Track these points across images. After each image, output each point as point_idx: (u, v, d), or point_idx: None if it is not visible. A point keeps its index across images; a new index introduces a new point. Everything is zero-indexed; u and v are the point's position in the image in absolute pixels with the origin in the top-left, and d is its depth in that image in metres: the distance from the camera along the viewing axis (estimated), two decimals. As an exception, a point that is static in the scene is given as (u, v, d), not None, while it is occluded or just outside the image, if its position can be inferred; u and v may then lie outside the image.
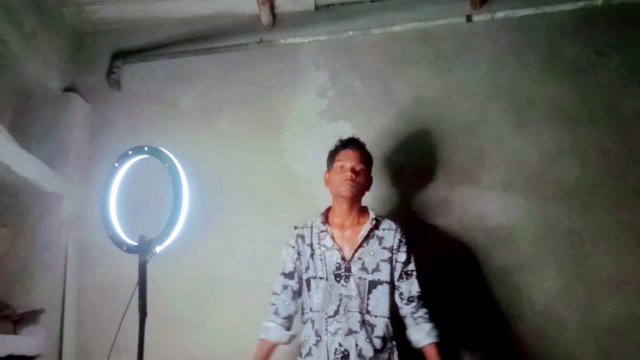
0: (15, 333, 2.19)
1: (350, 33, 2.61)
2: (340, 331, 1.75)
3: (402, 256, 1.84)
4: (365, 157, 1.93)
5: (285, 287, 1.88)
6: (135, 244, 1.73)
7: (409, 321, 1.82)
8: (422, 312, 1.81)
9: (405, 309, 1.82)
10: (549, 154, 2.32)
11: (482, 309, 2.18)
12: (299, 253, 1.89)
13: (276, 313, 1.86)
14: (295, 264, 1.89)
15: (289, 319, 1.87)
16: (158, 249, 1.71)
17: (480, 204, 2.30)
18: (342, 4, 2.72)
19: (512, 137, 2.37)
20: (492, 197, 2.31)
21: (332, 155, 1.96)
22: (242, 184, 2.51)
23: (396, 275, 1.83)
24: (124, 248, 1.77)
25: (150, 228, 1.75)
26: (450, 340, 2.12)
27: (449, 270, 2.23)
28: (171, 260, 2.08)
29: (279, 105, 2.60)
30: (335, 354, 1.73)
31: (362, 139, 1.98)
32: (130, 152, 1.86)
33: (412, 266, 1.85)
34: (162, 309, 2.15)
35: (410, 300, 1.81)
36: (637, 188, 2.22)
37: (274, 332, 1.84)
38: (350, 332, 1.75)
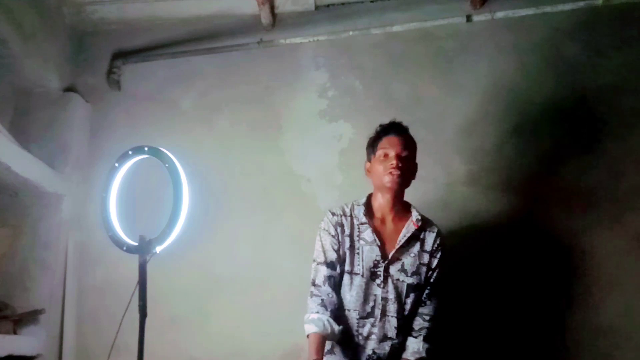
0: (15, 333, 2.19)
1: (350, 33, 2.61)
2: (374, 336, 1.66)
3: (434, 262, 1.74)
4: (410, 142, 1.78)
5: (328, 277, 1.68)
6: (135, 244, 1.73)
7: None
8: (416, 322, 1.71)
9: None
10: (549, 154, 2.32)
11: (482, 310, 2.18)
12: (339, 242, 1.72)
13: (323, 305, 1.64)
14: (337, 253, 1.71)
15: (335, 312, 1.66)
16: (158, 249, 1.71)
17: (480, 204, 2.30)
18: (342, 4, 2.71)
19: (512, 137, 2.37)
20: (492, 197, 2.31)
21: (374, 142, 1.80)
22: (242, 184, 2.51)
23: (425, 280, 1.73)
24: (124, 248, 1.77)
25: (150, 228, 1.74)
26: (450, 340, 2.13)
27: (449, 270, 2.23)
28: (171, 261, 2.08)
29: (279, 105, 2.60)
30: (369, 358, 1.64)
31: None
32: (130, 152, 1.86)
33: (435, 274, 1.74)
34: (162, 309, 2.15)
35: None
36: (637, 188, 2.22)
37: (328, 325, 1.61)
38: (386, 338, 1.66)
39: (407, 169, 1.73)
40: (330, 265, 1.71)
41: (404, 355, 1.67)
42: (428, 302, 1.72)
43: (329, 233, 1.74)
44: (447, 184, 2.35)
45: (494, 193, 2.31)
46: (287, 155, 2.52)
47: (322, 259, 1.72)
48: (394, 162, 1.70)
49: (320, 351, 1.57)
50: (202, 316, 2.37)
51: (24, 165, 2.20)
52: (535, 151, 2.33)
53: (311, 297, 1.69)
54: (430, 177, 2.35)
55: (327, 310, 1.64)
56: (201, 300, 2.38)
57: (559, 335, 2.12)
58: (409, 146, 1.76)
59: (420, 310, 1.72)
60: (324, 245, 1.73)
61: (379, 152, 1.75)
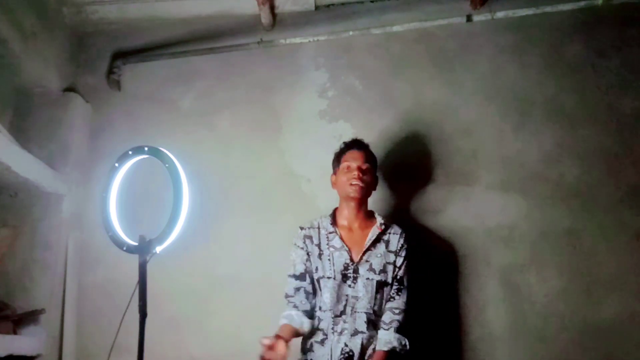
0: (15, 333, 2.18)
1: (350, 33, 2.61)
2: (346, 331, 1.78)
3: (399, 260, 1.89)
4: (371, 157, 1.99)
5: (297, 289, 1.87)
6: (136, 244, 1.73)
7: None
8: (386, 316, 1.82)
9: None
10: (549, 154, 2.32)
11: (482, 309, 2.18)
12: (308, 254, 1.90)
13: (295, 307, 1.84)
14: (305, 265, 1.89)
15: (308, 312, 1.84)
16: (158, 249, 1.72)
17: (479, 204, 2.30)
18: (342, 4, 2.71)
19: (512, 137, 2.37)
20: (492, 197, 2.31)
21: (338, 157, 2.00)
22: (242, 184, 2.51)
23: (392, 277, 1.87)
24: (124, 248, 1.77)
25: (150, 228, 1.75)
26: (450, 340, 2.13)
27: (448, 270, 2.23)
28: (171, 261, 2.09)
29: (279, 106, 2.60)
30: (341, 353, 1.75)
31: (363, 140, 2.03)
32: (130, 152, 1.86)
33: (400, 271, 1.87)
34: (162, 309, 2.15)
35: (386, 301, 1.85)
36: (637, 188, 2.22)
37: (297, 318, 1.80)
38: (357, 332, 1.78)
39: (367, 180, 1.93)
40: (299, 277, 1.88)
41: (377, 347, 1.77)
42: (397, 297, 1.85)
43: (298, 246, 1.92)
44: (447, 184, 2.35)
45: (494, 193, 2.31)
46: (287, 155, 2.52)
47: (291, 272, 1.90)
48: (356, 173, 1.90)
49: (283, 334, 1.68)
50: (202, 316, 2.37)
51: (24, 165, 2.20)
52: (535, 151, 2.33)
53: (287, 304, 1.86)
54: (430, 177, 2.36)
55: (299, 310, 1.82)
56: (201, 300, 2.38)
57: (559, 335, 2.12)
58: (369, 160, 1.97)
59: (389, 305, 1.84)
60: (294, 259, 1.92)
61: (343, 165, 1.95)
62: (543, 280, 2.18)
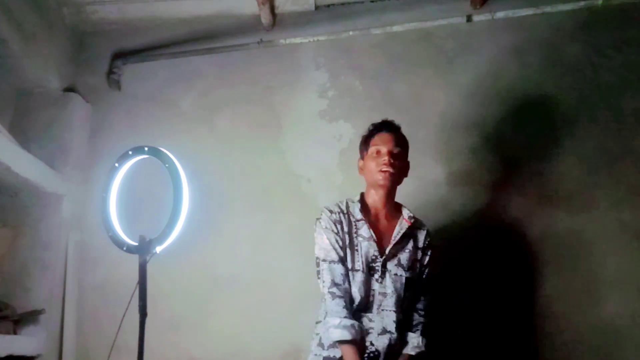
0: (15, 333, 2.19)
1: (350, 33, 2.61)
2: (372, 330, 1.64)
3: (425, 258, 1.78)
4: (402, 140, 1.81)
5: (345, 275, 1.67)
6: (136, 244, 1.73)
7: None
8: (414, 318, 1.74)
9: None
10: (549, 154, 2.32)
11: (482, 309, 2.18)
12: (342, 239, 1.71)
13: (347, 308, 1.62)
14: (343, 250, 1.70)
15: (351, 310, 1.65)
16: (158, 249, 1.72)
17: (480, 204, 2.30)
18: (342, 4, 2.72)
19: (512, 137, 2.37)
20: (492, 197, 2.31)
21: (366, 140, 1.82)
22: (242, 184, 2.51)
23: (418, 275, 1.77)
24: (124, 248, 1.77)
25: (151, 228, 1.75)
26: (450, 340, 2.13)
27: (448, 270, 2.23)
28: (171, 261, 2.09)
29: (279, 106, 2.60)
30: (365, 352, 1.62)
31: (394, 121, 1.87)
32: (130, 152, 1.86)
33: (426, 270, 1.78)
34: (162, 309, 2.15)
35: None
36: (637, 188, 2.22)
37: (358, 330, 1.61)
38: (385, 331, 1.64)
39: (399, 166, 1.76)
40: (343, 261, 1.69)
41: (405, 350, 1.68)
42: (422, 298, 1.77)
43: (332, 230, 1.72)
44: (447, 183, 2.35)
45: (495, 193, 2.31)
46: (287, 155, 2.52)
47: (334, 257, 1.69)
48: (386, 158, 1.72)
49: None
50: (202, 316, 2.37)
51: (24, 165, 2.20)
52: (535, 151, 2.33)
53: (333, 298, 1.63)
54: (431, 176, 2.36)
55: (350, 312, 1.62)
56: (201, 300, 2.38)
57: (559, 335, 2.12)
58: (400, 143, 1.79)
59: (417, 305, 1.75)
60: (331, 243, 1.70)
61: (372, 149, 1.78)
62: (543, 280, 2.18)
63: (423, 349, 1.69)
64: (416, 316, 1.74)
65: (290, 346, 2.21)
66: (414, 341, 1.69)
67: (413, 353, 1.67)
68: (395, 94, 2.51)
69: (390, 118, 1.86)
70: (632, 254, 2.15)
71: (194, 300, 2.39)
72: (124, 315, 1.74)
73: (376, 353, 1.63)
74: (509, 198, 2.30)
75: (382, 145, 1.76)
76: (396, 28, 2.57)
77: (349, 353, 1.57)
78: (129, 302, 1.73)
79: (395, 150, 1.75)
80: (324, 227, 1.73)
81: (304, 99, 2.59)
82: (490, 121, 2.40)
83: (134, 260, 1.71)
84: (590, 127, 2.32)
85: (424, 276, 1.78)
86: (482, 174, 2.34)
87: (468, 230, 2.28)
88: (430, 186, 2.35)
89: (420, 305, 1.76)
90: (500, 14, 2.50)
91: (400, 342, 1.68)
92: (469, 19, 2.52)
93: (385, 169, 1.72)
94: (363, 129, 1.90)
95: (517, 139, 2.36)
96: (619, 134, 2.29)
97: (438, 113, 2.45)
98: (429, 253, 1.79)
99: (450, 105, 2.45)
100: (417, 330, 1.72)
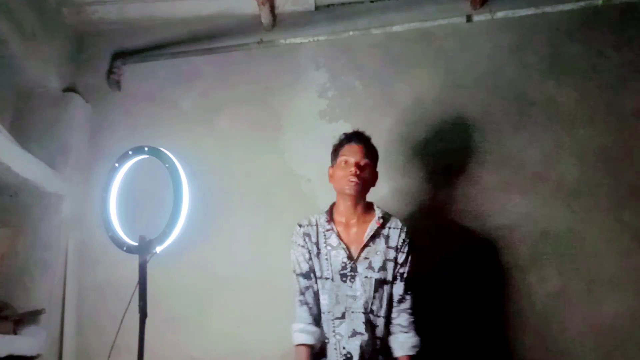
0: (15, 333, 2.19)
1: (350, 33, 2.61)
2: (343, 333, 1.71)
3: (401, 257, 1.79)
4: (370, 151, 1.86)
5: (307, 287, 1.77)
6: (136, 244, 1.74)
7: (390, 327, 1.77)
8: (402, 319, 1.75)
9: (393, 313, 1.77)
10: (549, 154, 2.32)
11: (482, 309, 2.18)
12: (309, 252, 1.80)
13: (311, 314, 1.74)
14: (308, 263, 1.79)
15: (317, 317, 1.76)
16: (158, 249, 1.72)
17: (480, 204, 2.30)
18: (342, 4, 2.72)
19: (512, 137, 2.37)
20: (492, 197, 2.31)
21: (336, 150, 1.88)
22: (242, 184, 2.51)
23: (392, 275, 1.78)
24: (124, 248, 1.77)
25: (150, 228, 1.75)
26: (450, 340, 2.13)
27: (448, 270, 2.23)
28: (171, 261, 2.09)
29: (279, 105, 2.60)
30: (340, 355, 1.69)
31: (364, 132, 1.91)
32: (130, 152, 1.86)
33: (405, 269, 1.79)
34: (162, 309, 2.15)
35: (397, 303, 1.77)
36: (637, 188, 2.22)
37: (318, 335, 1.72)
38: (355, 333, 1.70)
39: (365, 177, 1.81)
40: (306, 275, 1.79)
41: (403, 352, 1.71)
42: (407, 297, 1.78)
43: (298, 244, 1.82)
44: (447, 184, 2.35)
45: (495, 193, 2.31)
46: (287, 155, 2.52)
47: (298, 271, 1.80)
48: (353, 169, 1.78)
49: None
50: (202, 316, 2.37)
51: (24, 165, 2.20)
52: (535, 151, 2.33)
53: (300, 306, 1.76)
54: (431, 176, 2.36)
55: (314, 318, 1.74)
56: (201, 300, 2.38)
57: (559, 335, 2.12)
58: (369, 155, 1.84)
59: (403, 306, 1.77)
60: (297, 258, 1.81)
61: (340, 159, 1.84)
62: (543, 280, 2.18)
63: (419, 348, 1.72)
64: (406, 316, 1.76)
65: (290, 346, 2.20)
66: (411, 341, 1.72)
67: (412, 353, 1.71)
68: (395, 94, 2.51)
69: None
70: (632, 254, 2.15)
71: (193, 300, 2.39)
72: (124, 316, 1.74)
73: (349, 356, 1.68)
74: (509, 198, 2.30)
75: (350, 156, 1.82)
76: (396, 28, 2.57)
77: (301, 354, 1.70)
78: (129, 302, 1.73)
79: (363, 162, 1.81)
80: (294, 241, 1.84)
81: (304, 99, 2.59)
82: (490, 121, 2.40)
83: (134, 260, 1.71)
84: (590, 127, 2.32)
85: (404, 275, 1.78)
86: (482, 174, 2.34)
87: (468, 230, 2.28)
88: (429, 187, 2.35)
89: (406, 305, 1.77)
90: (500, 14, 2.50)
91: (373, 343, 1.71)
92: (468, 19, 2.52)
93: (352, 179, 1.77)
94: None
95: (517, 139, 2.36)
96: (619, 134, 2.29)
97: (438, 113, 2.45)
98: (405, 251, 1.80)
99: (451, 105, 2.45)
100: (411, 330, 1.74)
